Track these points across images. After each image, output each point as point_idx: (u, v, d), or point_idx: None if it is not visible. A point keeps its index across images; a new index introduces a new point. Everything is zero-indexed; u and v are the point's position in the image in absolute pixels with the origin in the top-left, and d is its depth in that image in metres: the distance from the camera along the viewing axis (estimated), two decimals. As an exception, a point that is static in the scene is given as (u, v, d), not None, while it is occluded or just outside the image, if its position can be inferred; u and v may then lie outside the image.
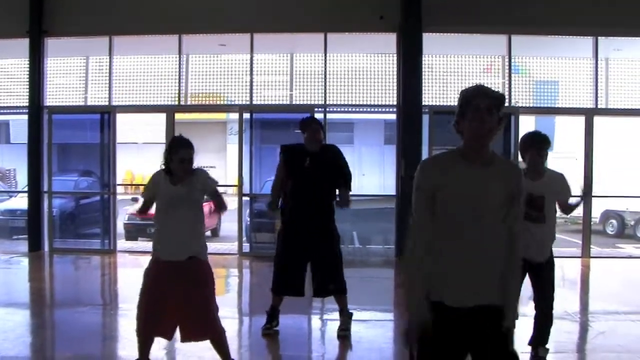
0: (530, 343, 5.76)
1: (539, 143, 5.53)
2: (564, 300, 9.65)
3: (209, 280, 5.42)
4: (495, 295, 3.41)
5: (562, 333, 7.41)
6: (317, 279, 7.00)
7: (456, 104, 3.45)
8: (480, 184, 3.35)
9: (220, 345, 5.45)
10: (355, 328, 7.24)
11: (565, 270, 11.44)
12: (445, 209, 3.36)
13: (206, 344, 5.82)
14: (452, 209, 3.35)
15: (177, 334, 5.46)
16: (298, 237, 6.90)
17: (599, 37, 12.57)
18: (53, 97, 13.35)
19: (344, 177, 7.08)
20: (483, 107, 3.32)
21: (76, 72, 13.77)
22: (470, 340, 3.38)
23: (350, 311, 7.16)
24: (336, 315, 7.21)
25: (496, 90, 3.43)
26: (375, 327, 7.71)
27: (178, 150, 5.17)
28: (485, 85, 3.50)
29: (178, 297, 5.23)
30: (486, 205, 3.35)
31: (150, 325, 5.28)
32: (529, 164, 5.55)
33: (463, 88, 3.45)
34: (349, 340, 6.93)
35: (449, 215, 3.36)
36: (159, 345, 5.94)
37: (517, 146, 12.05)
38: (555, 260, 5.76)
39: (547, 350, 5.72)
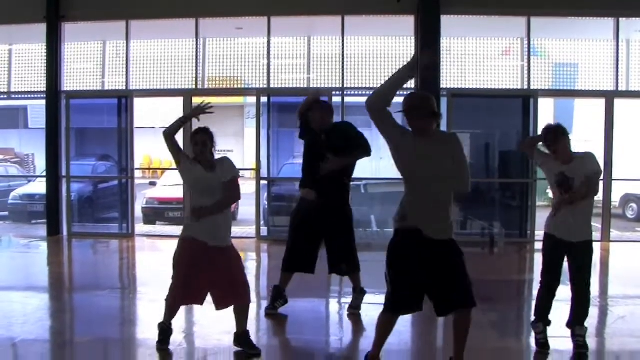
0: (567, 324, 5.76)
1: (546, 136, 5.73)
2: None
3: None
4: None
5: (582, 317, 7.35)
6: (330, 258, 7.02)
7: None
8: (426, 150, 4.62)
9: (245, 311, 5.69)
10: (373, 312, 7.19)
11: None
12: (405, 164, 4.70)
13: (224, 328, 5.84)
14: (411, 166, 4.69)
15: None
16: (312, 218, 6.89)
17: (620, 18, 12.38)
18: (70, 82, 13.37)
19: (358, 148, 6.94)
20: (425, 111, 4.63)
21: (93, 57, 13.77)
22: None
23: (365, 289, 7.15)
24: (355, 299, 7.19)
25: (427, 96, 4.80)
26: (394, 311, 7.65)
27: (194, 135, 5.77)
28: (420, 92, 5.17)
29: (215, 270, 5.53)
30: (434, 163, 4.60)
31: (185, 296, 5.60)
32: (553, 152, 5.71)
33: (405, 96, 4.76)
34: (362, 323, 6.93)
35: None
36: (178, 329, 5.97)
37: (535, 128, 11.96)
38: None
39: (585, 329, 5.69)
